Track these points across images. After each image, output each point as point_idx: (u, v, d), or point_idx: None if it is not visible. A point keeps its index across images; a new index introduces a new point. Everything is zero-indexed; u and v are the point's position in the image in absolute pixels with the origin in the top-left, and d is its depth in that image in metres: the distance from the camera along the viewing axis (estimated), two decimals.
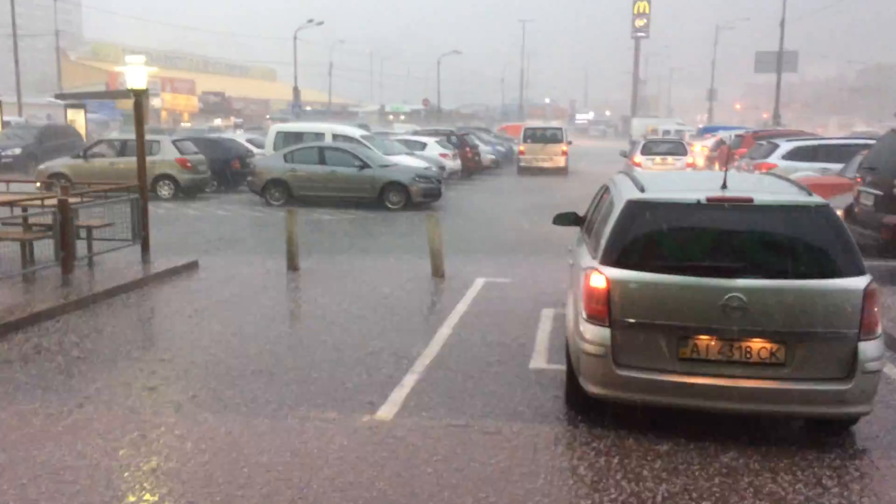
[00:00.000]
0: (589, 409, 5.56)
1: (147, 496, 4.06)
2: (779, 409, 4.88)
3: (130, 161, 14.79)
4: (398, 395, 6.00)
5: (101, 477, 4.27)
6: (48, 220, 9.73)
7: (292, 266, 10.86)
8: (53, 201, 9.75)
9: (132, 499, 4.03)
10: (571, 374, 5.54)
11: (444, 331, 7.84)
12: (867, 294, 4.76)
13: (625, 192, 5.38)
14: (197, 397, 5.90)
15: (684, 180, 5.72)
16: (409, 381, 6.33)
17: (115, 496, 4.05)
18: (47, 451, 4.59)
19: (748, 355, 4.80)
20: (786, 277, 4.86)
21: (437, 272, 10.52)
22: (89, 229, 10.34)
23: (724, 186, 5.24)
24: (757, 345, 4.79)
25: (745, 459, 4.64)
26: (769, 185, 5.79)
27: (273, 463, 4.49)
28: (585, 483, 4.27)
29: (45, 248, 9.82)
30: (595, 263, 5.18)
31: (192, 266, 10.84)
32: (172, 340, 7.42)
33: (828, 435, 5.29)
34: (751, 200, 5.07)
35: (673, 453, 4.71)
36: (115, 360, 6.76)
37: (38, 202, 10.44)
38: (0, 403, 5.46)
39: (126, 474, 4.32)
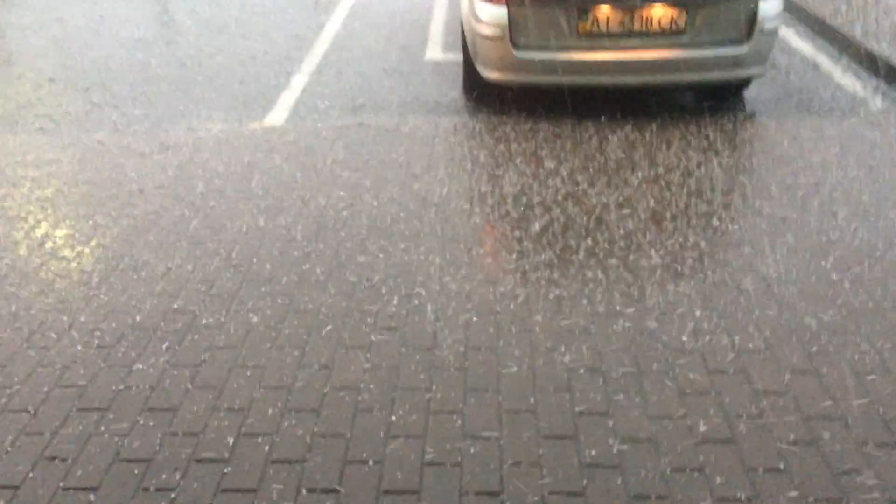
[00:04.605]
0: (487, 97, 5.41)
1: (22, 224, 3.78)
2: (677, 78, 4.81)
3: None
4: (287, 98, 5.65)
5: None
6: None
7: None
8: None
9: (5, 228, 3.75)
10: (468, 62, 5.28)
11: (332, 26, 7.27)
12: None
13: None
14: (64, 115, 5.39)
15: None
16: (298, 83, 5.94)
17: None
18: None
19: (649, 25, 4.60)
20: None
21: None
22: None
23: None
24: (658, 12, 4.56)
25: (640, 133, 4.65)
26: None
27: (159, 178, 4.22)
28: (486, 171, 4.22)
29: None
30: None
31: None
32: (21, 55, 6.62)
33: (720, 101, 5.36)
34: None
35: (570, 134, 4.67)
36: None
37: None
38: None
39: None
